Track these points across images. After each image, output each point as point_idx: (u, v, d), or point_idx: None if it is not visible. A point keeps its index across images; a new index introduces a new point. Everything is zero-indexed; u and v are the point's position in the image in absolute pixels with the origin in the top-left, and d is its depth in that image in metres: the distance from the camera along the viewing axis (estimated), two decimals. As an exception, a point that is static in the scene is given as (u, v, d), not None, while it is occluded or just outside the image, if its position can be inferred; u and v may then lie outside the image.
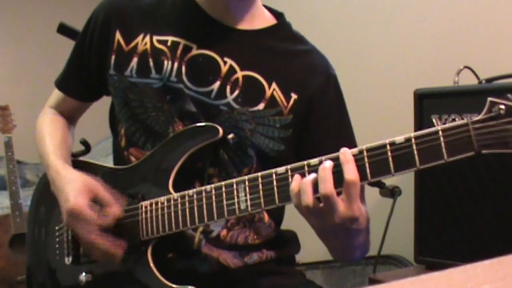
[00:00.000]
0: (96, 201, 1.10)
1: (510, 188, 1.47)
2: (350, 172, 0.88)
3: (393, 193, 1.84)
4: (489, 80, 1.66)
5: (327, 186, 0.88)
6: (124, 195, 1.14)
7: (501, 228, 1.49)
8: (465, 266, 0.58)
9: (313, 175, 0.90)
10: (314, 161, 0.93)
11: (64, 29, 1.53)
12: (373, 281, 1.72)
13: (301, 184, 0.91)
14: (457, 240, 1.58)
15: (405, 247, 1.83)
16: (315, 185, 0.89)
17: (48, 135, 1.28)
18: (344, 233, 0.94)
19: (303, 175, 0.92)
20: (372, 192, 1.90)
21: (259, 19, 1.21)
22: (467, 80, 1.72)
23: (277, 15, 1.25)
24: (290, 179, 0.94)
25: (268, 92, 1.14)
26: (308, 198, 0.90)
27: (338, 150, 0.92)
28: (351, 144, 1.18)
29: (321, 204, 0.90)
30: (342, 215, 0.89)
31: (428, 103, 1.62)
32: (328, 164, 0.89)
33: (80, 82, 1.30)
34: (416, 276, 0.56)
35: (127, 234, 1.12)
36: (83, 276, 1.16)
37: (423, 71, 2.15)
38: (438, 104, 1.60)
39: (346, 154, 0.89)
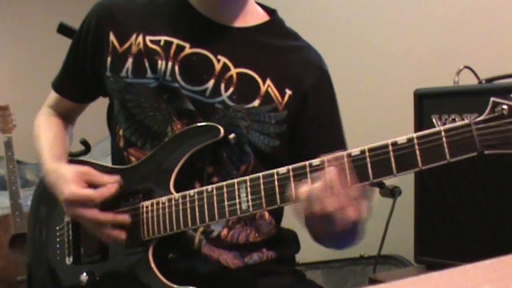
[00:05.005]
0: (91, 185, 1.12)
1: (510, 188, 1.47)
2: (338, 188, 0.87)
3: (393, 193, 1.84)
4: (489, 80, 1.66)
5: (327, 203, 0.87)
6: (125, 194, 1.15)
7: (501, 228, 1.49)
8: (465, 266, 0.58)
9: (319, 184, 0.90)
10: (315, 161, 0.93)
11: (64, 29, 1.53)
12: (373, 281, 1.72)
13: (300, 194, 0.90)
14: (457, 240, 1.58)
15: (405, 247, 1.83)
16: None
17: (42, 133, 1.29)
18: (343, 235, 0.94)
19: (311, 173, 0.91)
20: (372, 192, 1.89)
21: (252, 16, 1.21)
22: (467, 80, 1.71)
23: (270, 11, 1.25)
24: (291, 179, 0.94)
25: (263, 89, 1.14)
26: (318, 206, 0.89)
27: (329, 146, 0.93)
28: (341, 140, 1.20)
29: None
30: (342, 223, 0.89)
31: (428, 103, 1.62)
32: (324, 182, 0.88)
33: (75, 85, 1.30)
34: (416, 276, 0.56)
35: (128, 234, 1.12)
36: (84, 277, 1.16)
37: (423, 71, 2.15)
38: (438, 104, 1.59)
39: (331, 172, 0.88)
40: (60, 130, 1.33)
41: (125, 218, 1.10)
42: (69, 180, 1.12)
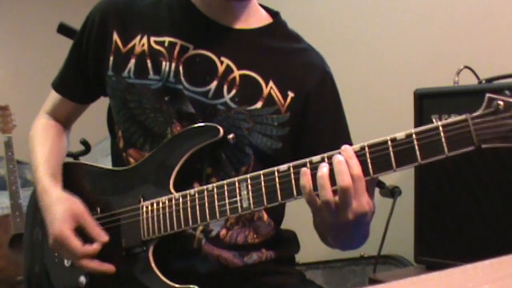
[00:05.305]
0: (81, 228, 1.12)
1: (510, 188, 1.47)
2: (355, 167, 0.89)
3: (393, 193, 1.84)
4: (489, 80, 1.66)
5: (345, 178, 0.89)
6: (125, 196, 1.15)
7: (501, 228, 1.49)
8: (465, 266, 0.58)
9: (326, 169, 0.91)
10: (316, 158, 0.93)
11: (64, 29, 1.53)
12: (373, 281, 1.72)
13: (318, 179, 0.91)
14: (457, 240, 1.58)
15: (405, 247, 1.83)
16: (332, 179, 0.90)
17: (38, 146, 1.28)
18: (353, 227, 0.94)
19: (311, 170, 0.92)
20: (372, 192, 1.89)
21: (255, 18, 1.21)
22: (467, 80, 1.71)
23: (273, 14, 1.25)
24: (292, 176, 0.95)
25: (265, 91, 1.15)
26: (327, 193, 0.90)
27: (334, 147, 0.93)
28: (347, 141, 1.19)
29: (337, 198, 0.90)
30: (354, 210, 0.90)
31: (428, 103, 1.62)
32: (342, 157, 0.90)
33: (78, 84, 1.29)
34: (416, 276, 0.56)
35: (128, 235, 1.12)
36: (82, 278, 1.16)
37: (423, 71, 2.15)
38: (438, 104, 1.60)
39: (347, 150, 0.91)
40: (57, 139, 1.31)
41: (108, 268, 1.12)
42: (61, 217, 1.12)
